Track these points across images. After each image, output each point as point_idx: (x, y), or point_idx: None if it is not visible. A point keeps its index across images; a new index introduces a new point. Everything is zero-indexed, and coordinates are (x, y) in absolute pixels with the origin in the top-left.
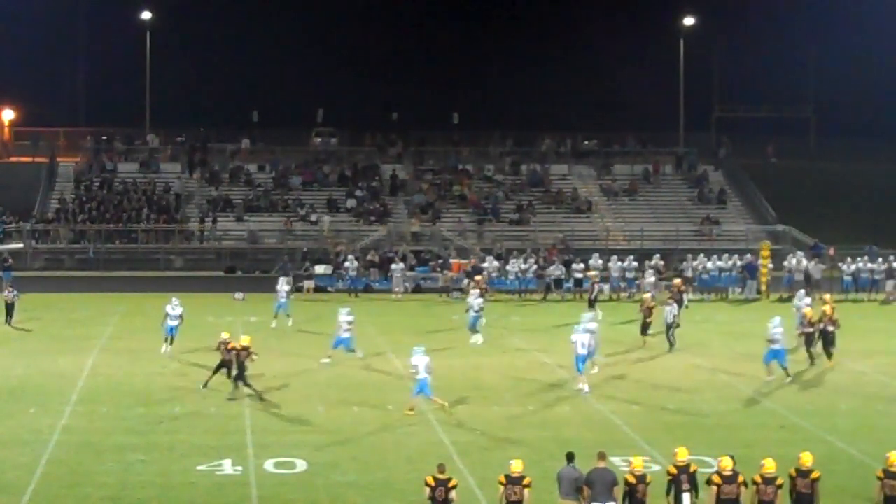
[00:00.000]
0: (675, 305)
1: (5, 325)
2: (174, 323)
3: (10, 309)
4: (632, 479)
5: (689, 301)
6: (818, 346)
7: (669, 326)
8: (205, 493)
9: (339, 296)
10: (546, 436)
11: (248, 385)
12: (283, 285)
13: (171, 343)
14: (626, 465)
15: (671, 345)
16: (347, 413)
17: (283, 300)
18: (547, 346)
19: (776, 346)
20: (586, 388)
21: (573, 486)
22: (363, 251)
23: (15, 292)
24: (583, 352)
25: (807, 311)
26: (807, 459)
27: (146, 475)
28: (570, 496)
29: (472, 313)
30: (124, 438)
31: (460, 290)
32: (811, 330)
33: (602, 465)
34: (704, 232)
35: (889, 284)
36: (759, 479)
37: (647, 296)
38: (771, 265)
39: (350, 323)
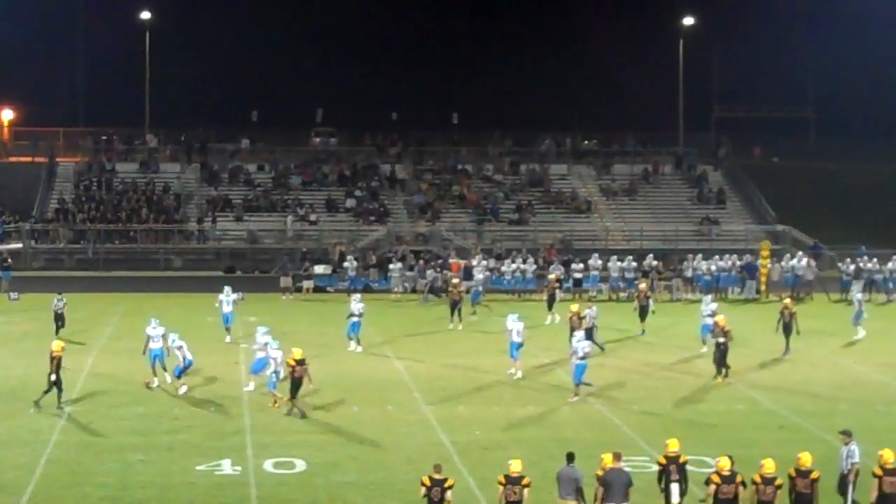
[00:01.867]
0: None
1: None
2: (156, 346)
3: (59, 318)
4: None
5: (688, 301)
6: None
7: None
8: (204, 493)
9: (338, 296)
10: (545, 436)
11: (293, 398)
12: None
13: (163, 371)
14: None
15: (600, 347)
16: (347, 413)
17: (227, 311)
18: (547, 345)
19: (580, 362)
20: (519, 373)
21: (573, 486)
22: (362, 251)
23: (64, 301)
24: (517, 339)
25: (719, 319)
26: (806, 459)
27: (146, 475)
28: (569, 496)
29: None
30: (124, 438)
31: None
32: (723, 340)
33: (617, 465)
34: (704, 232)
35: None
36: (758, 479)
37: (642, 286)
38: (770, 265)
39: (361, 312)
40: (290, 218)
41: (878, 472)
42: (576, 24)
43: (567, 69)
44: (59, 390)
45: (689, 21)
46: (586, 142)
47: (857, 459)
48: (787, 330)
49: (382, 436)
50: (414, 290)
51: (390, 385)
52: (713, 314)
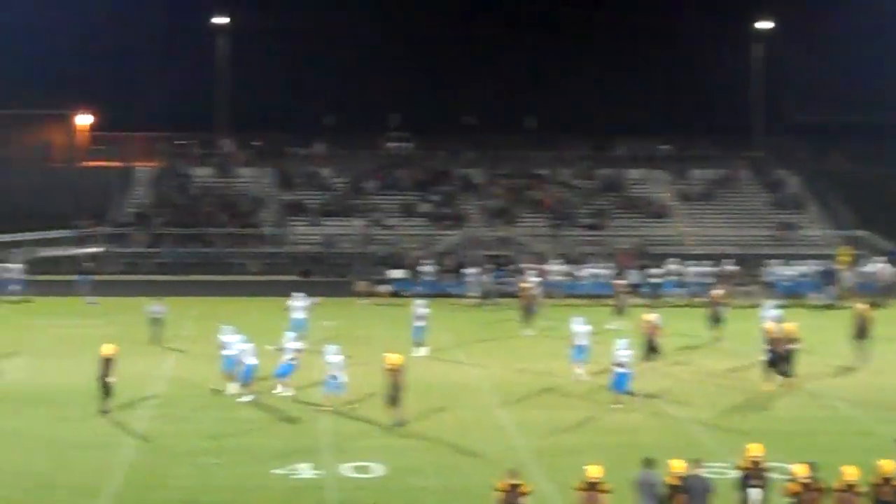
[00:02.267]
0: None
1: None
2: (231, 353)
3: (156, 324)
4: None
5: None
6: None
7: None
8: (280, 497)
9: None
10: (623, 441)
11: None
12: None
13: (237, 379)
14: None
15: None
16: (424, 418)
17: (300, 317)
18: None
19: (621, 370)
20: (583, 376)
21: (651, 491)
22: (438, 256)
23: (162, 307)
24: (583, 343)
25: (769, 326)
26: (889, 467)
27: (221, 479)
28: (648, 502)
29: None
30: (200, 442)
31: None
32: (791, 346)
33: (696, 471)
34: (781, 237)
35: None
36: (840, 487)
37: (715, 292)
38: (845, 271)
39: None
40: (361, 223)
41: (840, 486)
42: (652, 28)
43: (644, 73)
44: (107, 394)
45: (766, 24)
46: (662, 146)
47: None
48: (862, 336)
49: (459, 440)
50: (489, 295)
51: (466, 390)
52: (773, 319)
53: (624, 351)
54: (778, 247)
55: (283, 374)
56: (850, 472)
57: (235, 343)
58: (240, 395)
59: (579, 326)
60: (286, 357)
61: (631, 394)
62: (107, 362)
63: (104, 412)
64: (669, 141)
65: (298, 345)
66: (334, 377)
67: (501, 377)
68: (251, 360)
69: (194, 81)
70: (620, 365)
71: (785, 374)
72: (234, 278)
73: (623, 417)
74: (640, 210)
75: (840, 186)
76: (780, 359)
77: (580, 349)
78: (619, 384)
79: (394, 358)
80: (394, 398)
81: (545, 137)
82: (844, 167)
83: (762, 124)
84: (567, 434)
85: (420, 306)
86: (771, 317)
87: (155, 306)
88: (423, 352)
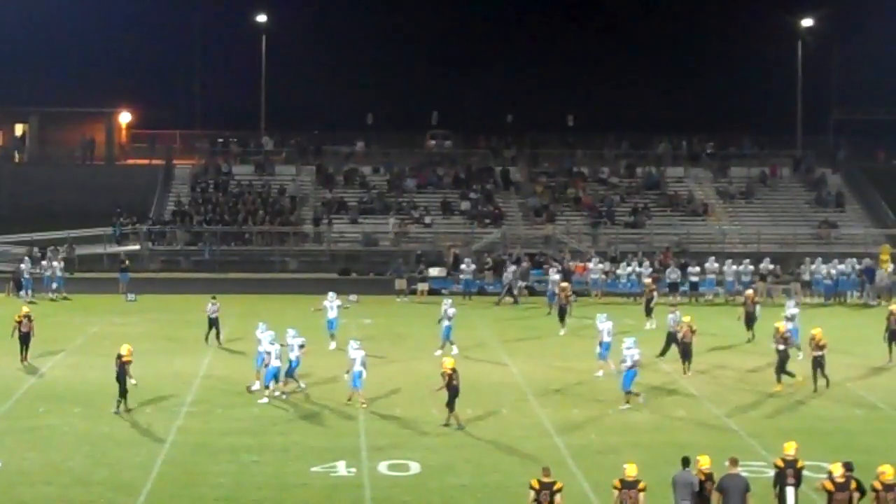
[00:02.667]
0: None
1: (210, 342)
2: (270, 348)
3: (213, 323)
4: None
5: (806, 305)
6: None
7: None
8: (319, 495)
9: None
10: (660, 440)
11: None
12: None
13: (272, 381)
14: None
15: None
16: (461, 415)
17: (331, 317)
18: (659, 348)
19: (627, 368)
20: (601, 373)
21: (688, 490)
22: (477, 254)
23: (217, 306)
24: (607, 339)
25: (779, 325)
26: None
27: (261, 476)
28: (685, 501)
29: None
30: (239, 439)
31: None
32: (783, 347)
33: (734, 470)
34: (822, 235)
35: None
36: (878, 486)
37: (749, 292)
38: (891, 269)
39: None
40: (392, 220)
41: (878, 485)
42: (692, 26)
43: (684, 71)
44: (122, 395)
45: (807, 22)
46: (703, 144)
47: None
48: (894, 336)
49: (496, 438)
50: (530, 293)
51: (504, 387)
52: (791, 318)
53: (630, 350)
54: (819, 245)
55: (276, 373)
56: (888, 472)
57: (266, 342)
58: (261, 396)
59: (603, 324)
60: (292, 354)
61: (631, 392)
62: (123, 364)
63: (115, 412)
64: (710, 139)
65: (300, 340)
66: (358, 372)
67: (542, 375)
68: (275, 363)
69: (235, 79)
70: (625, 362)
71: (788, 374)
72: (273, 276)
73: (661, 416)
74: (681, 208)
75: (882, 185)
76: (787, 358)
77: (605, 346)
78: (625, 383)
79: (447, 361)
80: (450, 402)
81: (585, 135)
82: (886, 165)
83: (803, 122)
84: (605, 432)
85: (448, 305)
86: (789, 315)
87: (210, 305)
88: (454, 350)
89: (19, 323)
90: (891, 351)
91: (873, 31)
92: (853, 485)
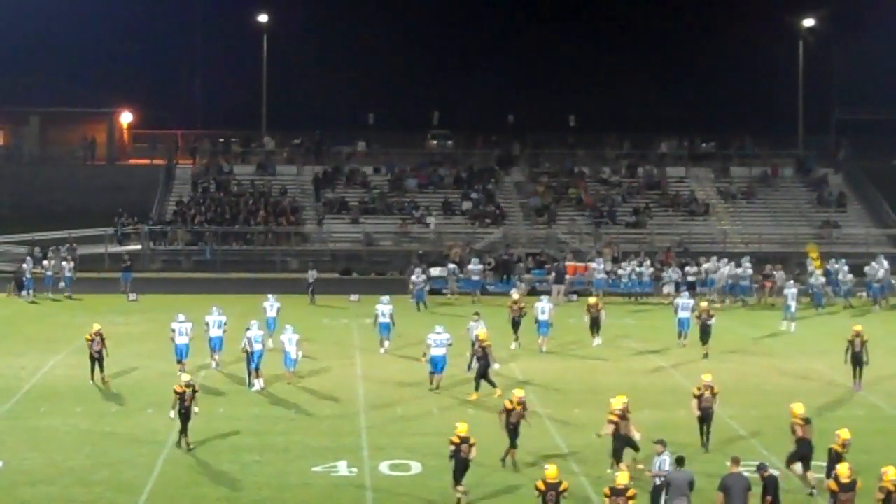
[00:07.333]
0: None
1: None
2: (258, 347)
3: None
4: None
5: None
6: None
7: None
8: (320, 494)
9: (454, 298)
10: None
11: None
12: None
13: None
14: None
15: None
16: (462, 416)
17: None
18: (663, 348)
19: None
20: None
21: (684, 489)
22: (478, 254)
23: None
24: (543, 318)
25: (703, 303)
26: None
27: (262, 476)
28: (681, 498)
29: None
30: (240, 439)
31: (576, 292)
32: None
33: (736, 470)
34: (824, 235)
35: None
36: (891, 487)
37: (704, 304)
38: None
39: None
40: (401, 220)
41: (834, 486)
42: (694, 25)
43: (685, 71)
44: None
45: (809, 21)
46: (704, 144)
47: None
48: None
49: (499, 439)
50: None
51: (505, 387)
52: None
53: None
54: (820, 245)
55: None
56: (893, 473)
57: (256, 338)
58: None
59: (543, 304)
60: (291, 350)
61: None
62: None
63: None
64: (711, 139)
65: (259, 333)
66: (288, 354)
67: (544, 375)
68: (257, 347)
69: (236, 79)
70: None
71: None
72: (274, 276)
73: (664, 416)
74: (682, 208)
75: (883, 185)
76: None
77: (543, 324)
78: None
79: (460, 427)
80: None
81: (586, 135)
82: (888, 165)
83: (805, 122)
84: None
85: (384, 303)
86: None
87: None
88: (385, 348)
89: (91, 341)
90: (855, 375)
91: (875, 31)
92: (858, 485)
